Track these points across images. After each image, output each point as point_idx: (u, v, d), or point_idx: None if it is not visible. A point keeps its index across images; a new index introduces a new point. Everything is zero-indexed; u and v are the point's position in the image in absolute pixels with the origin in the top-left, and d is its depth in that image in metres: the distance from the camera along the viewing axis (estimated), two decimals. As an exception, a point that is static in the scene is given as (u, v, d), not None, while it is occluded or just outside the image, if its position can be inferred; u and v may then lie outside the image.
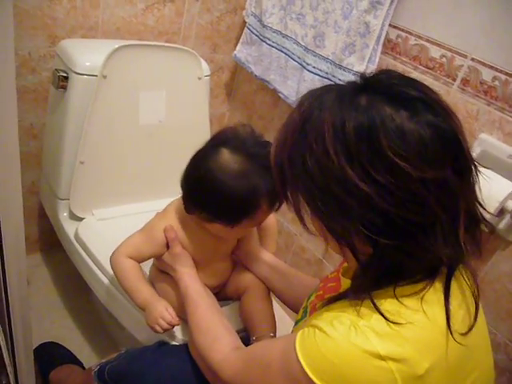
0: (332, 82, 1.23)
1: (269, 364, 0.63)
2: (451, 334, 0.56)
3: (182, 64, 1.22)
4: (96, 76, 1.10)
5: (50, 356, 1.25)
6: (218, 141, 0.87)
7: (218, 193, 0.83)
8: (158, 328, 0.87)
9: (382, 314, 0.55)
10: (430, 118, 0.54)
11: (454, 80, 1.08)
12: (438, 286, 0.59)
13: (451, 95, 1.08)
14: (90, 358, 1.33)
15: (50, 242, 1.60)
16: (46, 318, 1.43)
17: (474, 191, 0.60)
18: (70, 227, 1.22)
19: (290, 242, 1.63)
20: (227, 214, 0.85)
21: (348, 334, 0.55)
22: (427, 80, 1.13)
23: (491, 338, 1.06)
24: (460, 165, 0.56)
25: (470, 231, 0.60)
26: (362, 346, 0.54)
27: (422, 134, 0.53)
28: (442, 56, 1.09)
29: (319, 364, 0.55)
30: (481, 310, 0.66)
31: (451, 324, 0.57)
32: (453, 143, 0.55)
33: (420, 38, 1.13)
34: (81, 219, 1.22)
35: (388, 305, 0.57)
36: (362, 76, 0.60)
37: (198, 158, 0.87)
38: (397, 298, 0.57)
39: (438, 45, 1.10)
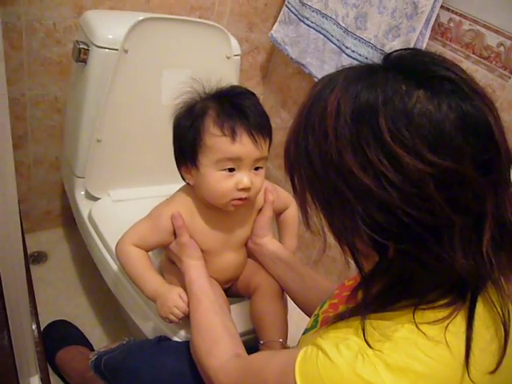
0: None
1: (265, 380, 0.58)
2: (467, 372, 0.47)
3: (209, 41, 1.14)
4: (117, 50, 1.04)
5: (60, 335, 1.24)
6: None
7: (174, 129, 0.86)
8: (172, 317, 0.82)
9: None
10: (455, 100, 0.44)
11: (512, 73, 0.95)
12: (465, 313, 0.50)
13: (506, 90, 0.95)
14: (101, 340, 1.31)
15: (72, 218, 1.57)
16: (61, 295, 1.41)
17: (507, 192, 0.49)
18: (85, 206, 1.18)
19: (317, 237, 1.53)
20: (184, 149, 0.84)
21: (354, 362, 0.48)
22: (480, 71, 0.99)
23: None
24: (489, 159, 0.45)
25: (503, 242, 0.49)
26: (369, 378, 0.46)
27: (439, 119, 0.44)
28: (500, 44, 0.96)
29: None
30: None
31: (480, 362, 0.48)
32: (481, 133, 0.45)
33: (476, 22, 1.00)
34: (97, 199, 1.18)
35: (406, 332, 0.49)
36: (385, 55, 0.51)
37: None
38: (416, 325, 0.48)
39: (497, 31, 0.96)
